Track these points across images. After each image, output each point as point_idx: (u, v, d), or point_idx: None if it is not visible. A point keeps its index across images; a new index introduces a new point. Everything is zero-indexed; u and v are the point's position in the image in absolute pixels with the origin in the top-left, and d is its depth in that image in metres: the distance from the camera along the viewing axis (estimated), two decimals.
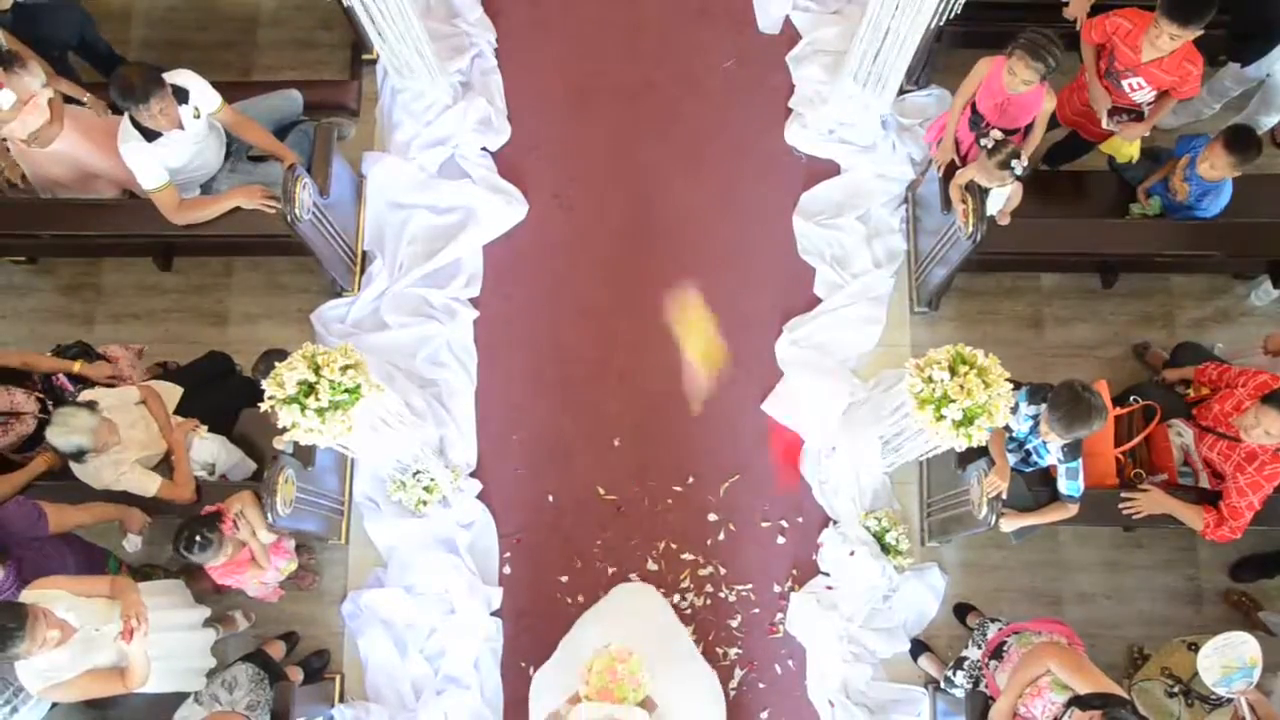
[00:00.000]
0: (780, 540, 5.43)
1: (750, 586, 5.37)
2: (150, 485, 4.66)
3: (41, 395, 4.84)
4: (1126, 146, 5.29)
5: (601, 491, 5.49)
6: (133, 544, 4.75)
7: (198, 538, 4.37)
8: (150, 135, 4.76)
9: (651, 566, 5.38)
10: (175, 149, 4.89)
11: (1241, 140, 4.79)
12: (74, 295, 5.91)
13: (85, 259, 5.93)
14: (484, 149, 5.95)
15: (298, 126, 5.48)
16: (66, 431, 4.38)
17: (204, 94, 4.90)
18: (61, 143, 5.04)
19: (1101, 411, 4.19)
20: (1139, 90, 5.00)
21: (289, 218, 4.91)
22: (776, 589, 5.38)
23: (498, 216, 5.78)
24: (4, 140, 5.02)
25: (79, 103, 5.24)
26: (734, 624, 5.33)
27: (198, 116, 4.88)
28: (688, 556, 5.40)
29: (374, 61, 6.02)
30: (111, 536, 4.89)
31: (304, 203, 4.98)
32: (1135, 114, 5.16)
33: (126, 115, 4.74)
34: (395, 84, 5.95)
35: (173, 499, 4.72)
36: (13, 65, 4.71)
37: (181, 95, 4.77)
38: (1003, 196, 4.98)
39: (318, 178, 5.20)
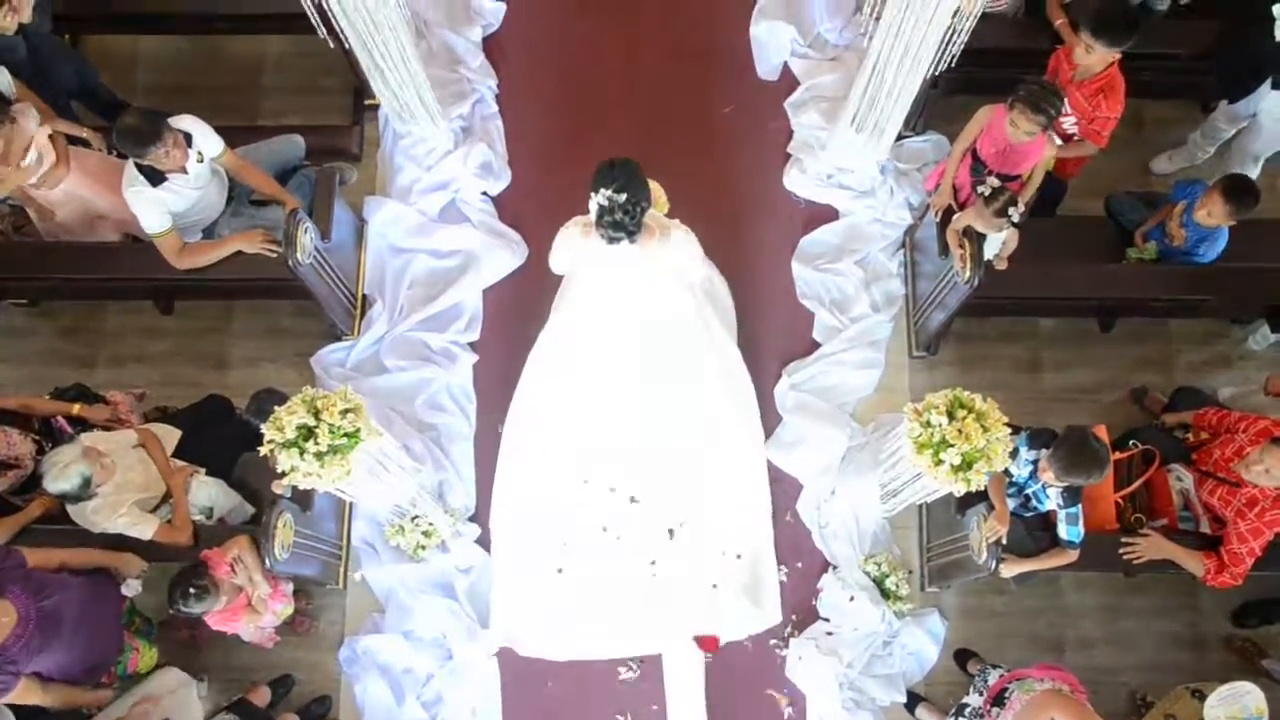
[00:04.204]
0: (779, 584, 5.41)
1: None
2: (148, 528, 4.65)
3: (38, 438, 4.85)
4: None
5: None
6: (132, 589, 4.72)
7: (192, 589, 4.36)
8: (155, 180, 4.79)
9: None
10: (179, 193, 4.91)
11: (1239, 189, 4.83)
12: (74, 338, 5.91)
13: (86, 302, 5.94)
14: (485, 194, 5.98)
15: (300, 171, 5.51)
16: (61, 469, 4.39)
17: (207, 139, 4.93)
18: (68, 183, 5.07)
19: (1103, 463, 4.20)
20: (1066, 115, 5.07)
21: (290, 262, 4.93)
22: (772, 641, 5.34)
23: (498, 261, 5.80)
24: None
25: (82, 141, 5.29)
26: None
27: (201, 161, 4.91)
28: None
29: (376, 107, 6.05)
30: None
31: (305, 247, 5.01)
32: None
33: (131, 160, 4.78)
34: (397, 129, 5.99)
35: (171, 542, 4.71)
36: (3, 121, 4.75)
37: (185, 140, 4.81)
38: (999, 241, 5.01)
39: (319, 222, 5.22)
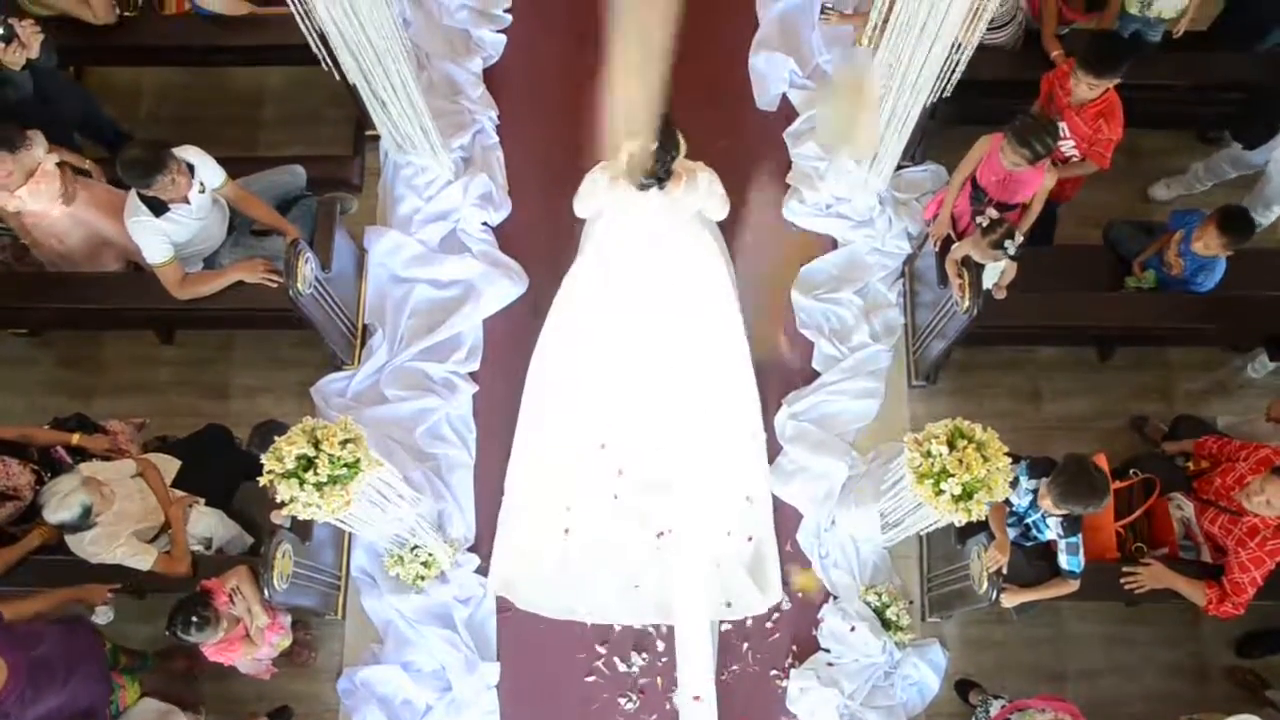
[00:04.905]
0: (779, 615, 5.39)
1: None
2: (146, 559, 4.65)
3: (37, 467, 4.84)
4: None
5: None
6: (104, 616, 4.72)
7: (194, 618, 4.34)
8: (158, 210, 4.82)
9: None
10: (181, 224, 4.94)
11: (1235, 221, 4.86)
12: (74, 367, 5.92)
13: (86, 332, 5.95)
14: (485, 224, 5.99)
15: (301, 201, 5.54)
16: (61, 499, 4.40)
17: (209, 169, 4.97)
18: (77, 209, 5.09)
19: (1102, 493, 4.21)
20: (1064, 139, 5.11)
21: (291, 292, 4.94)
22: (773, 672, 5.32)
23: (498, 291, 5.81)
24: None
25: (84, 173, 5.32)
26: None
27: (203, 191, 4.95)
28: None
29: (377, 137, 6.07)
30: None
31: (306, 277, 5.02)
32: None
33: (133, 191, 4.81)
34: (397, 159, 6.02)
35: (169, 573, 4.70)
36: (18, 146, 4.79)
37: (188, 170, 4.84)
38: (998, 270, 5.02)
39: (320, 252, 5.24)
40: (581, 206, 4.80)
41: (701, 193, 4.62)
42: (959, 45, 4.60)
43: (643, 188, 4.43)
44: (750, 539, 5.41)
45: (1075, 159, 5.25)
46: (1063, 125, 5.09)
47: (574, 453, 5.47)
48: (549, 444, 5.49)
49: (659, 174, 4.37)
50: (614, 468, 5.46)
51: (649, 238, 4.80)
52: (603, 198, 4.64)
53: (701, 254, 5.06)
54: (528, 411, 5.55)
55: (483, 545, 5.46)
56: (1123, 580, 4.76)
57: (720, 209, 4.82)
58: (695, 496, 5.39)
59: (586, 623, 5.35)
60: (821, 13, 6.30)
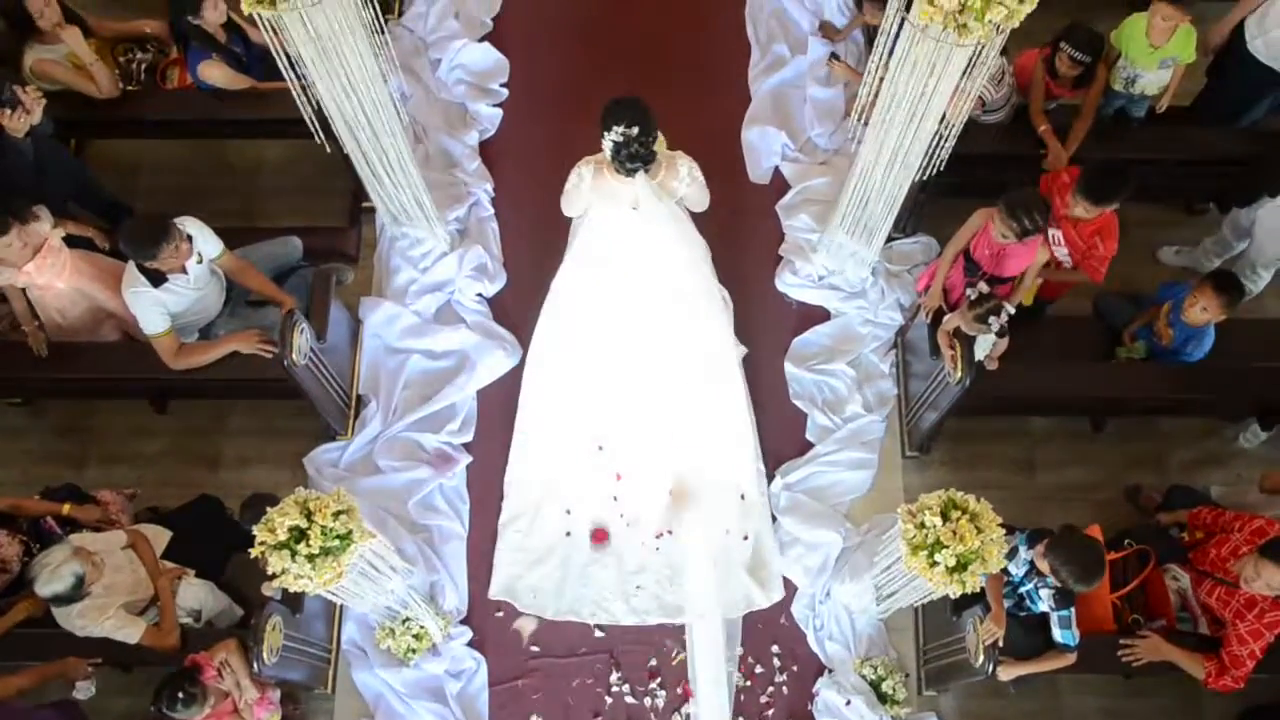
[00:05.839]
0: (773, 688, 5.33)
1: None
2: (135, 632, 4.60)
3: (25, 539, 4.81)
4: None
5: (598, 634, 5.40)
6: (85, 691, 4.65)
7: (180, 694, 4.29)
8: (156, 280, 4.85)
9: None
10: (179, 294, 4.97)
11: (1228, 282, 4.94)
12: (67, 437, 5.91)
13: (79, 401, 5.95)
14: (480, 295, 6.04)
15: (297, 271, 5.59)
16: (53, 571, 4.38)
17: (207, 240, 5.03)
18: (78, 282, 5.12)
19: (1098, 576, 4.22)
20: (1058, 246, 5.19)
21: (285, 362, 4.95)
22: None
23: (492, 362, 5.82)
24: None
25: (87, 241, 5.36)
26: None
27: (200, 262, 4.98)
28: (687, 710, 5.26)
29: (374, 209, 6.12)
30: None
31: (300, 347, 5.04)
32: None
33: (132, 262, 4.84)
34: (393, 231, 6.07)
35: (158, 646, 4.65)
36: (27, 220, 4.83)
37: (188, 241, 4.88)
38: (989, 342, 5.05)
39: (315, 322, 5.26)
40: (568, 204, 4.88)
41: (683, 178, 4.72)
42: (948, 123, 4.68)
43: (629, 172, 4.52)
44: (746, 538, 5.46)
45: (1068, 265, 5.30)
46: (1056, 233, 5.16)
47: (572, 455, 5.54)
48: (547, 447, 5.56)
49: (644, 155, 4.46)
50: (612, 470, 5.53)
51: (634, 231, 4.85)
52: (588, 193, 4.72)
53: (684, 249, 5.12)
54: (524, 415, 5.62)
55: (475, 617, 5.41)
56: (1120, 653, 4.73)
57: (701, 197, 4.90)
58: (692, 496, 5.46)
59: (590, 624, 5.38)
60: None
